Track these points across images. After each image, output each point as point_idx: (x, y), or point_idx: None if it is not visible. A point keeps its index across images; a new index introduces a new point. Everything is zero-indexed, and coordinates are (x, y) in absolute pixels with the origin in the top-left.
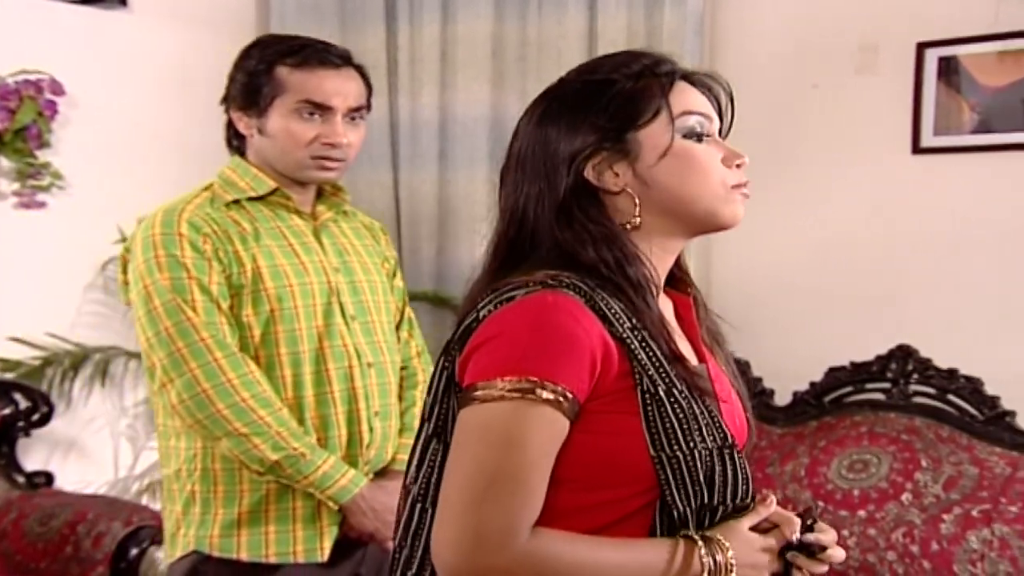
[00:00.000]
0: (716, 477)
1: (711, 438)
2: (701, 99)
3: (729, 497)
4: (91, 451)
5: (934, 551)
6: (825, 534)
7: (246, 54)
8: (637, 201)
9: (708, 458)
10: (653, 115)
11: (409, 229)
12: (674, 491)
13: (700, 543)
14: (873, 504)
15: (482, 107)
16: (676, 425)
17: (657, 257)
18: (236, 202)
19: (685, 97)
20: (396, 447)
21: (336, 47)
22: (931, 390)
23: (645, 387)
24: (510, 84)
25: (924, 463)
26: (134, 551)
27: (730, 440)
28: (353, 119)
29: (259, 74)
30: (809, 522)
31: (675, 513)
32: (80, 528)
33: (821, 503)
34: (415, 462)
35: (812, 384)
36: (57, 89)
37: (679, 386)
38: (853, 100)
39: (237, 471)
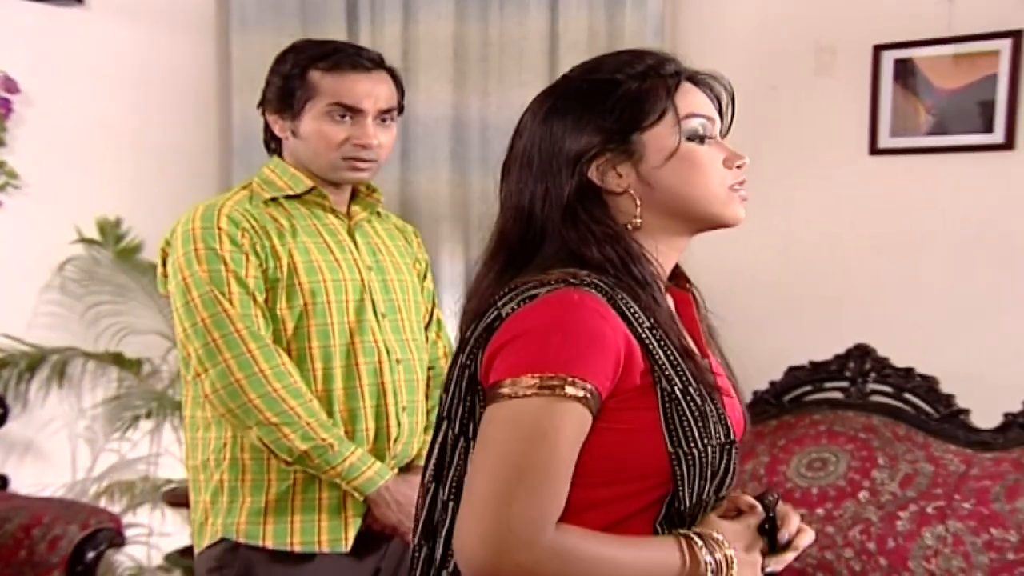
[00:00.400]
0: (719, 472)
1: (718, 435)
2: (704, 100)
3: (721, 491)
4: (48, 453)
5: (890, 548)
6: (789, 522)
7: (282, 59)
8: (638, 202)
9: (715, 454)
10: (659, 117)
11: None
12: (686, 486)
13: (700, 541)
14: (831, 502)
15: (444, 107)
16: (692, 423)
17: (662, 255)
18: (274, 200)
19: (689, 99)
20: (421, 443)
21: (368, 51)
22: (888, 389)
23: (664, 386)
24: (472, 85)
25: (881, 461)
26: (91, 554)
27: (732, 436)
28: (384, 121)
29: (293, 78)
30: (771, 511)
31: (683, 508)
32: (35, 532)
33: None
34: (436, 460)
35: (772, 383)
36: (12, 87)
37: (694, 384)
38: (812, 102)
39: (265, 461)
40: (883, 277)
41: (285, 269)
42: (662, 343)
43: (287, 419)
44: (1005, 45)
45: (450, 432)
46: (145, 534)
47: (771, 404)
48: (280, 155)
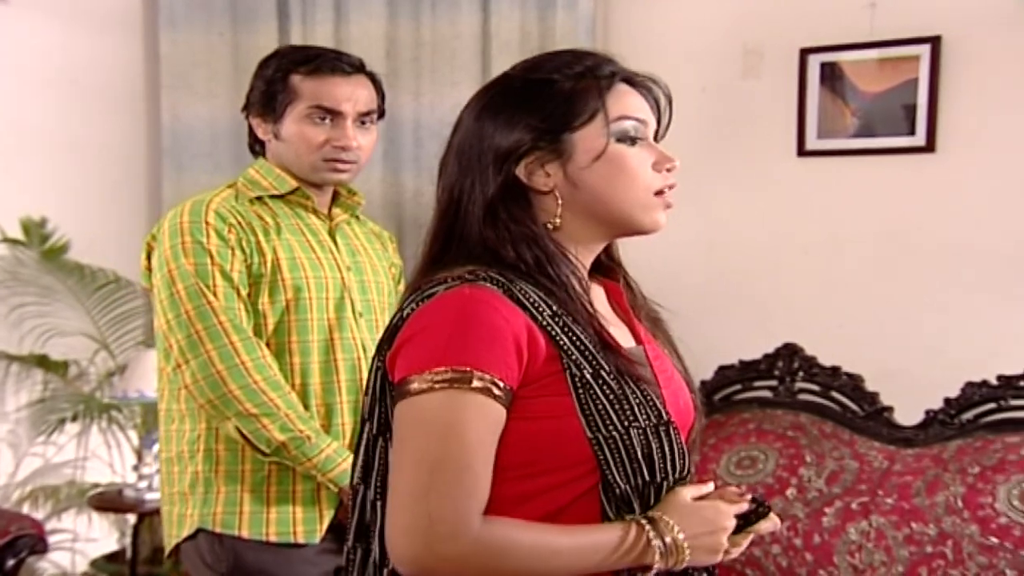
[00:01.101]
0: (654, 454)
1: (644, 417)
2: (639, 102)
3: (670, 473)
4: None
5: (816, 543)
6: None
7: (265, 64)
8: (559, 202)
9: (643, 436)
10: (589, 118)
11: None
12: (614, 470)
13: (647, 525)
14: None
15: None
16: (608, 406)
17: (580, 253)
18: (259, 199)
19: (623, 101)
20: None
21: (349, 56)
22: (816, 387)
23: (573, 371)
24: (404, 84)
25: (808, 458)
26: (11, 562)
27: (665, 417)
28: (364, 123)
29: (275, 82)
30: (761, 505)
31: (618, 492)
32: None
33: None
34: (362, 462)
35: (703, 383)
36: None
37: (607, 368)
38: (740, 104)
39: (240, 451)
40: (811, 277)
41: (269, 265)
42: (567, 330)
43: (266, 410)
44: (925, 50)
45: (371, 433)
46: (70, 540)
47: (702, 403)
48: (264, 157)
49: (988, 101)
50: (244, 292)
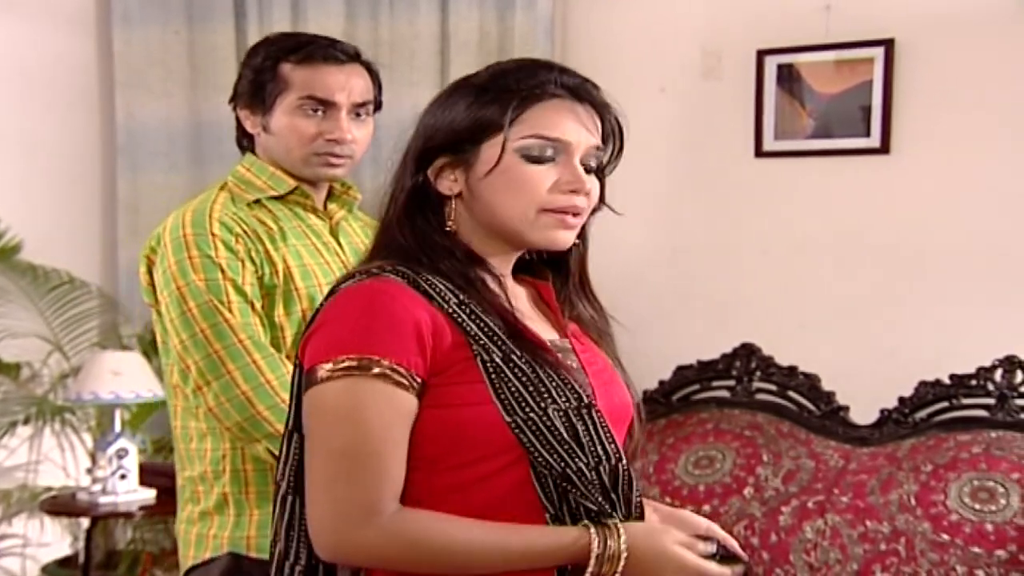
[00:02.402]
0: (580, 436)
1: (563, 399)
2: (571, 123)
3: (602, 458)
4: None
5: (772, 542)
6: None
7: (253, 52)
8: (454, 208)
9: (565, 418)
10: (494, 131)
11: None
12: (543, 454)
13: (593, 528)
14: (717, 499)
15: None
16: (522, 389)
17: (493, 258)
18: (257, 201)
19: (544, 118)
20: None
21: (344, 43)
22: (773, 387)
23: (484, 357)
24: None
25: (765, 458)
26: None
27: (586, 400)
28: (359, 115)
29: (264, 71)
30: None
31: (552, 478)
32: None
33: (668, 499)
34: (282, 458)
35: (661, 382)
36: None
37: (518, 353)
38: (699, 104)
39: (268, 472)
40: (768, 277)
41: (281, 275)
42: (474, 317)
43: None
44: (879, 53)
45: (287, 429)
46: (21, 545)
47: (660, 403)
48: (253, 152)
49: (941, 103)
50: (258, 305)
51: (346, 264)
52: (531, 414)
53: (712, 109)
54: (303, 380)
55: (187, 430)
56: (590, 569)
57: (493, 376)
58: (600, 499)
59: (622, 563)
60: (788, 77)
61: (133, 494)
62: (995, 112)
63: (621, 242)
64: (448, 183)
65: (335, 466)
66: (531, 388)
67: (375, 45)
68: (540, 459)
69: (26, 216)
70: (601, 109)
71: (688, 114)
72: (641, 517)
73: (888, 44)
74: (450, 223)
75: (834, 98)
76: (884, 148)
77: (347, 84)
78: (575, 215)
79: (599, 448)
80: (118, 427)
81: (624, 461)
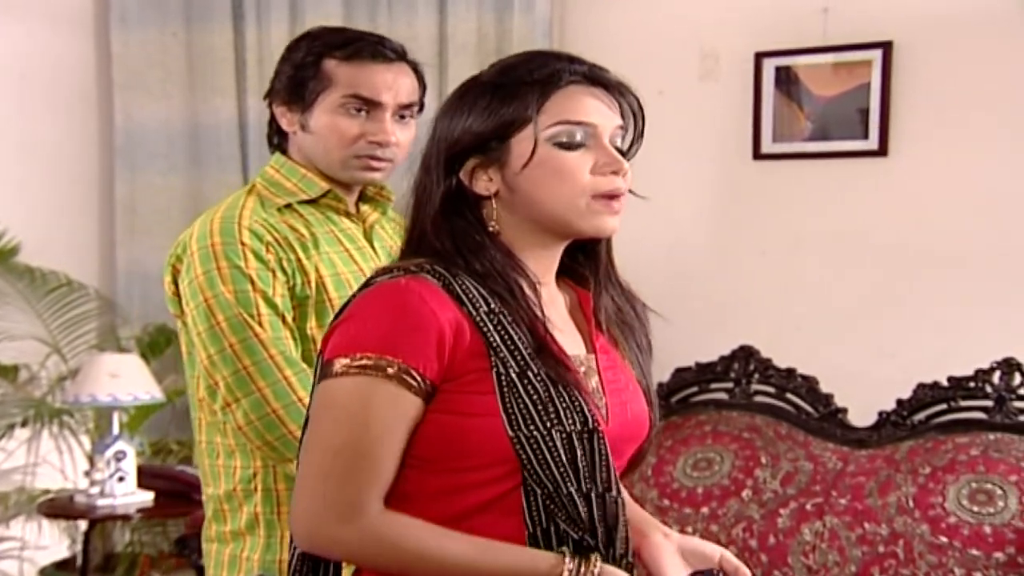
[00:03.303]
0: (578, 461)
1: (570, 422)
2: (593, 105)
3: (597, 483)
4: None
5: (771, 544)
6: None
7: (294, 46)
8: (495, 206)
9: (567, 441)
10: (522, 124)
11: None
12: (537, 471)
13: (568, 557)
14: (716, 501)
15: None
16: (530, 406)
17: (533, 256)
18: (288, 206)
19: (568, 104)
20: None
21: (391, 41)
22: (771, 389)
23: (500, 369)
24: None
25: (763, 460)
26: None
27: (591, 425)
28: (403, 117)
29: (306, 67)
30: None
31: (539, 495)
32: None
33: (667, 501)
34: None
35: (659, 385)
36: None
37: (534, 370)
38: (697, 107)
39: None
40: (766, 280)
41: (314, 285)
42: (500, 328)
43: None
44: (877, 55)
45: (306, 417)
46: (18, 548)
47: (659, 405)
48: (284, 151)
49: (938, 105)
50: (289, 317)
51: None
52: (534, 432)
53: (710, 111)
54: (322, 368)
55: (213, 445)
56: None
57: (505, 389)
58: (584, 527)
59: None
60: (786, 79)
61: (131, 496)
62: (993, 114)
63: (619, 244)
64: (484, 183)
65: (330, 462)
66: (540, 407)
67: None
68: (534, 477)
69: (24, 218)
70: (616, 90)
71: (686, 116)
72: (626, 551)
73: (886, 47)
74: (493, 223)
75: (832, 100)
76: (882, 150)
77: (394, 84)
78: (619, 198)
79: (595, 475)
80: (116, 429)
81: (616, 492)
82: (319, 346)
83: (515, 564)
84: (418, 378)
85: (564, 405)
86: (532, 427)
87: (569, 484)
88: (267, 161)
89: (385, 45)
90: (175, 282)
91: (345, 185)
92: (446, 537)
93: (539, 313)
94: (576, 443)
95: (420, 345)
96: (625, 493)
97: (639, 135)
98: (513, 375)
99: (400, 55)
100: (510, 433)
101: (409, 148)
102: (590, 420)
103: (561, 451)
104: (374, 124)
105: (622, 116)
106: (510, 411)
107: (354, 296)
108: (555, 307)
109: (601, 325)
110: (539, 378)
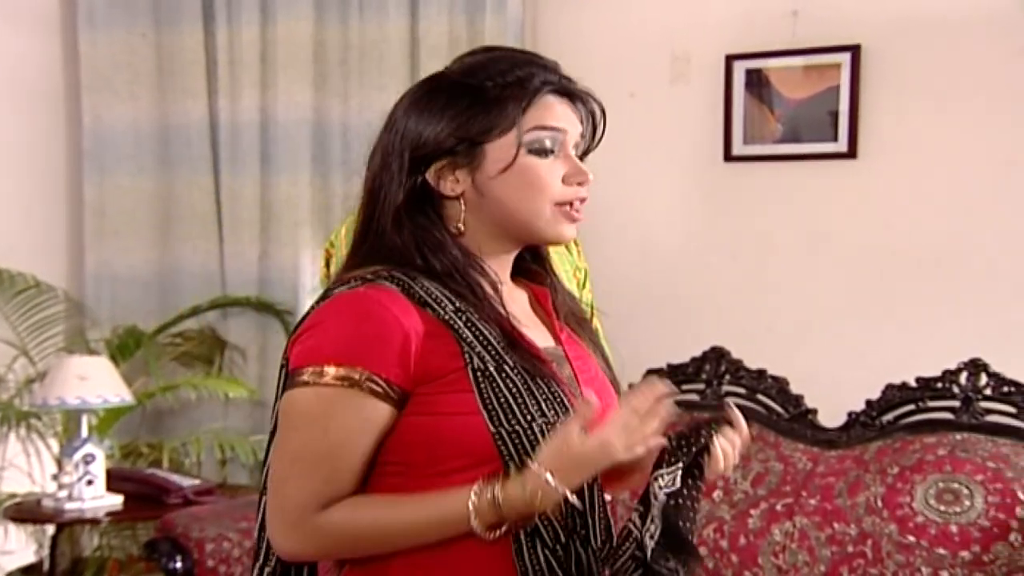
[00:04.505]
0: None
1: (551, 412)
2: (564, 112)
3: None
4: None
5: (741, 545)
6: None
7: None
8: (464, 208)
9: (551, 431)
10: (504, 130)
11: (231, 233)
12: (516, 464)
13: (477, 484)
14: None
15: (304, 110)
16: (511, 400)
17: (494, 258)
18: None
19: (544, 111)
20: None
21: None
22: (742, 390)
23: (476, 365)
24: (332, 87)
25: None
26: None
27: (572, 413)
28: None
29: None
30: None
31: None
32: None
33: (636, 502)
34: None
35: (630, 386)
36: None
37: (511, 363)
38: (668, 109)
39: None
40: (737, 281)
41: None
42: (470, 325)
43: None
44: (846, 58)
45: (271, 429)
46: None
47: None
48: None
49: (907, 108)
50: None
51: None
52: (516, 426)
53: (681, 114)
54: (286, 379)
55: None
56: (471, 521)
57: (483, 385)
58: (566, 518)
59: (503, 507)
60: (757, 82)
61: (100, 500)
62: (960, 117)
63: (590, 244)
64: (450, 184)
65: (287, 468)
66: (520, 400)
67: (344, 49)
68: (516, 469)
69: None
70: (579, 98)
71: (657, 119)
72: (608, 538)
73: (855, 50)
74: (460, 224)
75: (802, 103)
76: (851, 153)
77: None
78: (580, 208)
79: None
80: (85, 432)
81: (594, 480)
82: (283, 356)
83: (445, 505)
84: (384, 384)
85: (544, 397)
86: (513, 421)
87: None
88: (239, 162)
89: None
90: (327, 265)
91: None
92: (389, 502)
93: (503, 310)
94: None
95: (384, 352)
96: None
97: (596, 143)
98: (491, 370)
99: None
100: (491, 429)
101: None
102: (571, 411)
103: (542, 442)
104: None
105: (582, 123)
106: (490, 407)
107: (314, 307)
108: (517, 304)
109: (561, 317)
110: (516, 371)
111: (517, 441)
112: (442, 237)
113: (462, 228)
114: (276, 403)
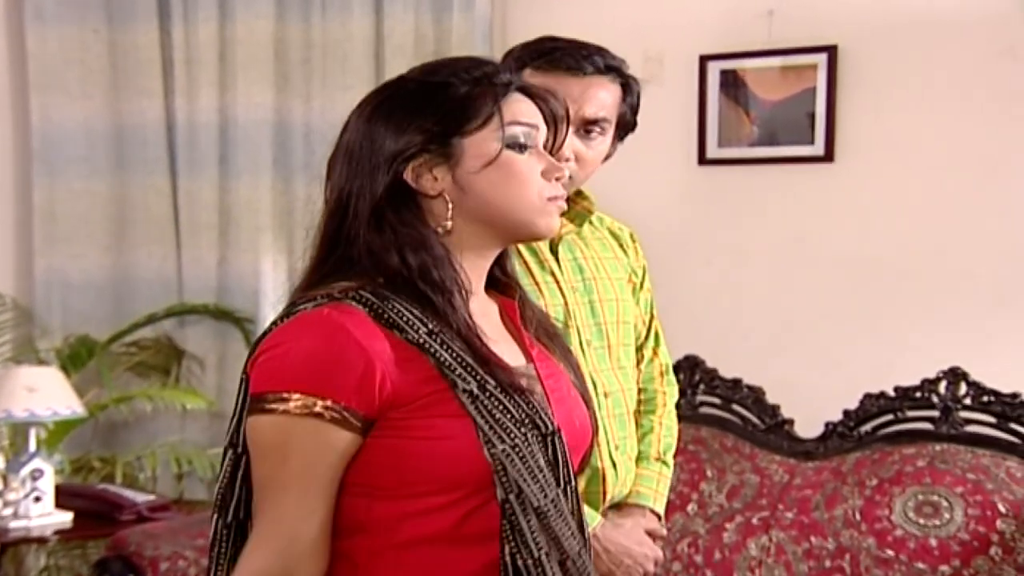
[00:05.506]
0: (549, 466)
1: (543, 424)
2: (532, 109)
3: (563, 484)
4: None
5: (716, 560)
6: None
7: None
8: (450, 206)
9: (542, 446)
10: (483, 123)
11: (188, 238)
12: (523, 481)
13: None
14: None
15: (265, 111)
16: (503, 417)
17: (470, 262)
18: None
19: (516, 107)
20: (632, 482)
21: (595, 51)
22: (717, 400)
23: (461, 386)
24: (294, 87)
25: (709, 473)
26: None
27: (552, 427)
28: (588, 132)
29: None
30: None
31: (523, 508)
32: None
33: None
34: (225, 485)
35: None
36: None
37: (491, 382)
38: (641, 110)
39: None
40: (711, 288)
41: None
42: (446, 347)
43: None
44: (822, 59)
45: (225, 444)
46: None
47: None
48: None
49: (884, 110)
50: None
51: (561, 285)
52: (517, 440)
53: (654, 115)
54: (248, 402)
55: None
56: None
57: (471, 406)
58: (574, 529)
59: None
60: (731, 83)
61: (48, 518)
62: (940, 119)
63: None
64: (429, 182)
65: (258, 498)
66: (510, 416)
67: (306, 47)
68: (514, 487)
69: None
70: (541, 97)
71: None
72: (584, 542)
73: (831, 50)
74: (448, 221)
75: (778, 105)
76: (828, 156)
77: (581, 97)
78: (560, 202)
79: (561, 476)
80: (33, 446)
81: (575, 491)
82: (243, 370)
83: None
84: (345, 412)
85: (523, 413)
86: (514, 436)
87: (551, 491)
88: (197, 164)
89: (583, 55)
90: None
91: None
92: None
93: (471, 323)
94: (542, 448)
95: (346, 379)
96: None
97: (559, 145)
98: (475, 389)
99: (601, 68)
100: (489, 451)
101: (595, 165)
102: (549, 423)
103: (540, 458)
104: None
105: (546, 123)
106: (487, 429)
107: (276, 322)
108: (488, 319)
109: (535, 332)
110: (498, 389)
111: (510, 459)
112: (425, 234)
113: (449, 226)
114: (234, 417)
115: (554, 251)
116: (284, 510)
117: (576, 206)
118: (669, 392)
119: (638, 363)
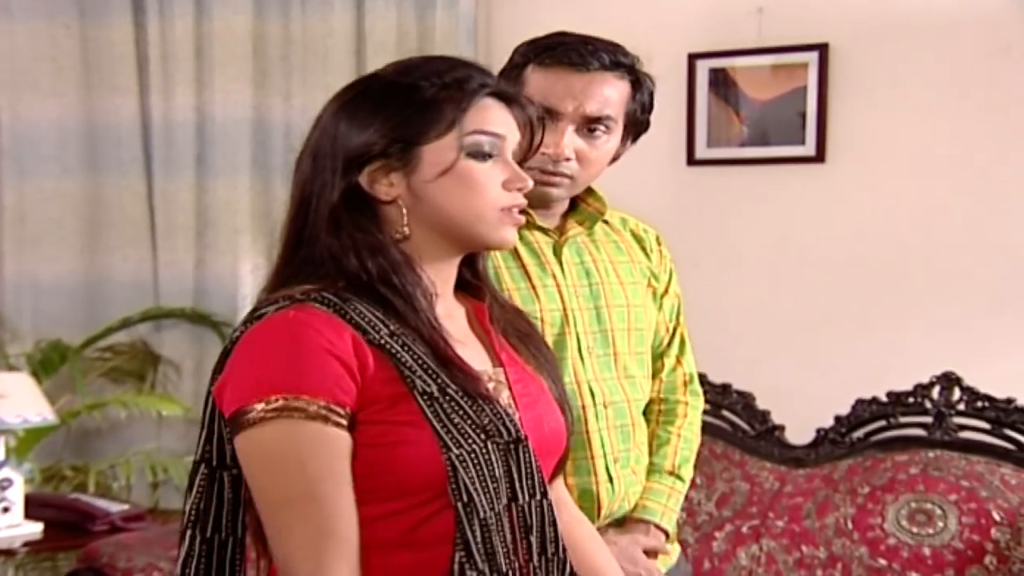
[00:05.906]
0: (513, 472)
1: (505, 431)
2: (503, 116)
3: (529, 494)
4: None
5: (706, 570)
6: None
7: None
8: (405, 212)
9: (502, 453)
10: (442, 131)
11: (164, 240)
12: (473, 488)
13: None
14: None
15: (243, 109)
16: (462, 422)
17: (433, 267)
18: None
19: (483, 115)
20: (638, 493)
21: (602, 45)
22: (706, 406)
23: (420, 388)
24: (273, 84)
25: (699, 481)
26: None
27: (515, 434)
28: (592, 131)
29: (509, 76)
30: None
31: (479, 511)
32: None
33: None
34: (195, 503)
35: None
36: None
37: (453, 386)
38: None
39: None
40: (700, 291)
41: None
42: (407, 348)
43: None
44: (813, 57)
45: (195, 459)
46: None
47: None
48: None
49: (876, 110)
50: None
51: (561, 289)
52: (473, 446)
53: None
54: (226, 422)
55: None
56: None
57: (429, 412)
58: (511, 540)
59: None
60: (721, 82)
61: (16, 529)
62: (933, 119)
63: None
64: (384, 188)
65: (278, 518)
66: (469, 421)
67: (286, 44)
68: (468, 493)
69: None
70: (517, 103)
71: None
72: (557, 549)
73: (822, 49)
74: (404, 228)
75: (768, 104)
76: (819, 157)
77: (582, 93)
78: (521, 212)
79: (526, 484)
80: (2, 455)
81: (546, 499)
82: (209, 383)
83: None
84: (337, 410)
85: (487, 419)
86: (471, 442)
87: (502, 495)
88: (174, 164)
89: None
90: None
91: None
92: None
93: (435, 325)
94: (508, 455)
95: (328, 377)
96: (555, 496)
97: (535, 151)
98: (436, 391)
99: (606, 64)
100: (444, 454)
101: (602, 166)
102: (515, 431)
103: (496, 464)
104: (550, 136)
105: (520, 129)
106: (440, 431)
107: (242, 330)
108: (455, 321)
109: (506, 335)
110: (459, 393)
111: (465, 465)
112: (382, 240)
113: (406, 232)
114: (203, 431)
115: (557, 254)
116: (312, 526)
117: (587, 207)
118: (692, 403)
119: (659, 372)
